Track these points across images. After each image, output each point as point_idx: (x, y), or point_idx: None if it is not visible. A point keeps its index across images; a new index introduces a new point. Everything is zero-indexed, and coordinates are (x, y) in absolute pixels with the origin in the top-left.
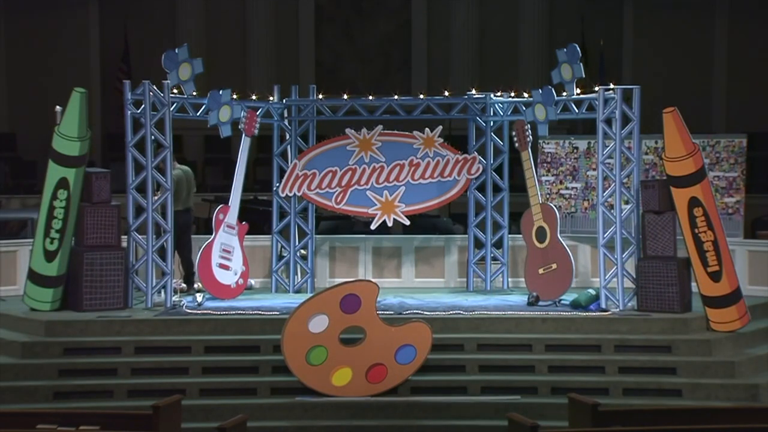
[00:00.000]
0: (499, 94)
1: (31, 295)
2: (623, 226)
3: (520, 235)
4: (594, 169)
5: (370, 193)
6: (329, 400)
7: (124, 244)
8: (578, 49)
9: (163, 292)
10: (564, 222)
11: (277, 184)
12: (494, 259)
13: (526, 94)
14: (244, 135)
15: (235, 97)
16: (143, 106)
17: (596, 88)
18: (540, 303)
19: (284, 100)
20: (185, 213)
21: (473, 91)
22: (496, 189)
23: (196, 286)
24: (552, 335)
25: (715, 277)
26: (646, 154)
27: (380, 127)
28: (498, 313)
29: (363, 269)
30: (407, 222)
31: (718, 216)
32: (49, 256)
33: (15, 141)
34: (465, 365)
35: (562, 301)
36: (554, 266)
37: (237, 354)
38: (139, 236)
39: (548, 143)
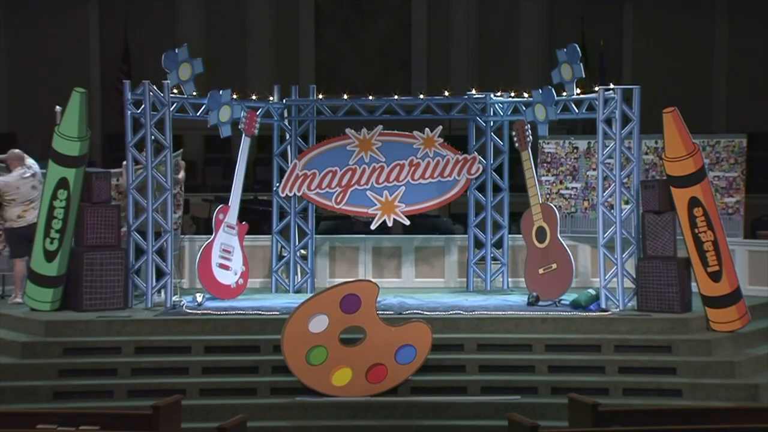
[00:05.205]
0: (499, 94)
1: (31, 295)
2: (623, 226)
3: (520, 235)
4: (594, 169)
5: (370, 193)
6: (329, 400)
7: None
8: (578, 49)
9: (163, 292)
10: (564, 222)
11: (277, 184)
12: (494, 259)
13: (526, 94)
14: (244, 135)
15: (235, 97)
16: (143, 106)
17: (596, 88)
18: (540, 303)
19: (284, 100)
20: None
21: (473, 91)
22: (496, 189)
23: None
24: (552, 335)
25: (715, 277)
26: (646, 154)
27: (380, 127)
28: (498, 313)
29: (363, 269)
30: (407, 222)
31: (718, 216)
32: (49, 256)
33: (15, 141)
34: (465, 365)
35: (562, 301)
36: (554, 266)
37: (237, 354)
38: (139, 236)
39: (548, 143)
